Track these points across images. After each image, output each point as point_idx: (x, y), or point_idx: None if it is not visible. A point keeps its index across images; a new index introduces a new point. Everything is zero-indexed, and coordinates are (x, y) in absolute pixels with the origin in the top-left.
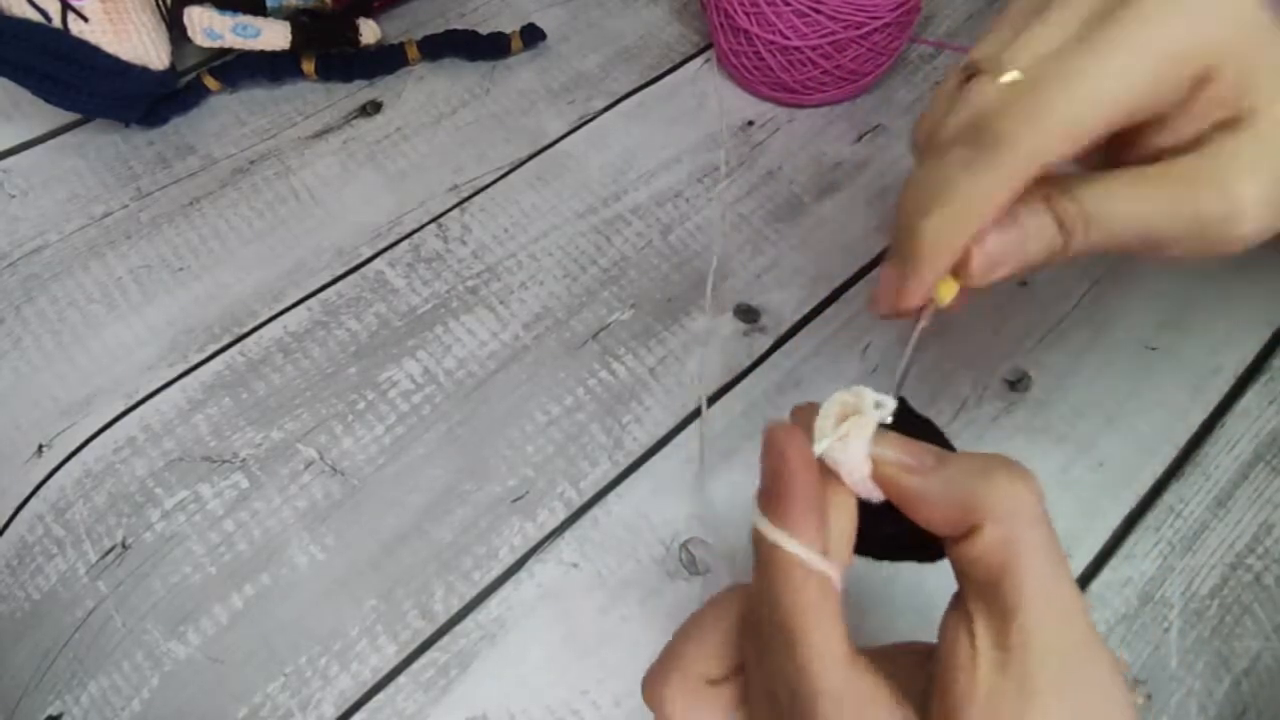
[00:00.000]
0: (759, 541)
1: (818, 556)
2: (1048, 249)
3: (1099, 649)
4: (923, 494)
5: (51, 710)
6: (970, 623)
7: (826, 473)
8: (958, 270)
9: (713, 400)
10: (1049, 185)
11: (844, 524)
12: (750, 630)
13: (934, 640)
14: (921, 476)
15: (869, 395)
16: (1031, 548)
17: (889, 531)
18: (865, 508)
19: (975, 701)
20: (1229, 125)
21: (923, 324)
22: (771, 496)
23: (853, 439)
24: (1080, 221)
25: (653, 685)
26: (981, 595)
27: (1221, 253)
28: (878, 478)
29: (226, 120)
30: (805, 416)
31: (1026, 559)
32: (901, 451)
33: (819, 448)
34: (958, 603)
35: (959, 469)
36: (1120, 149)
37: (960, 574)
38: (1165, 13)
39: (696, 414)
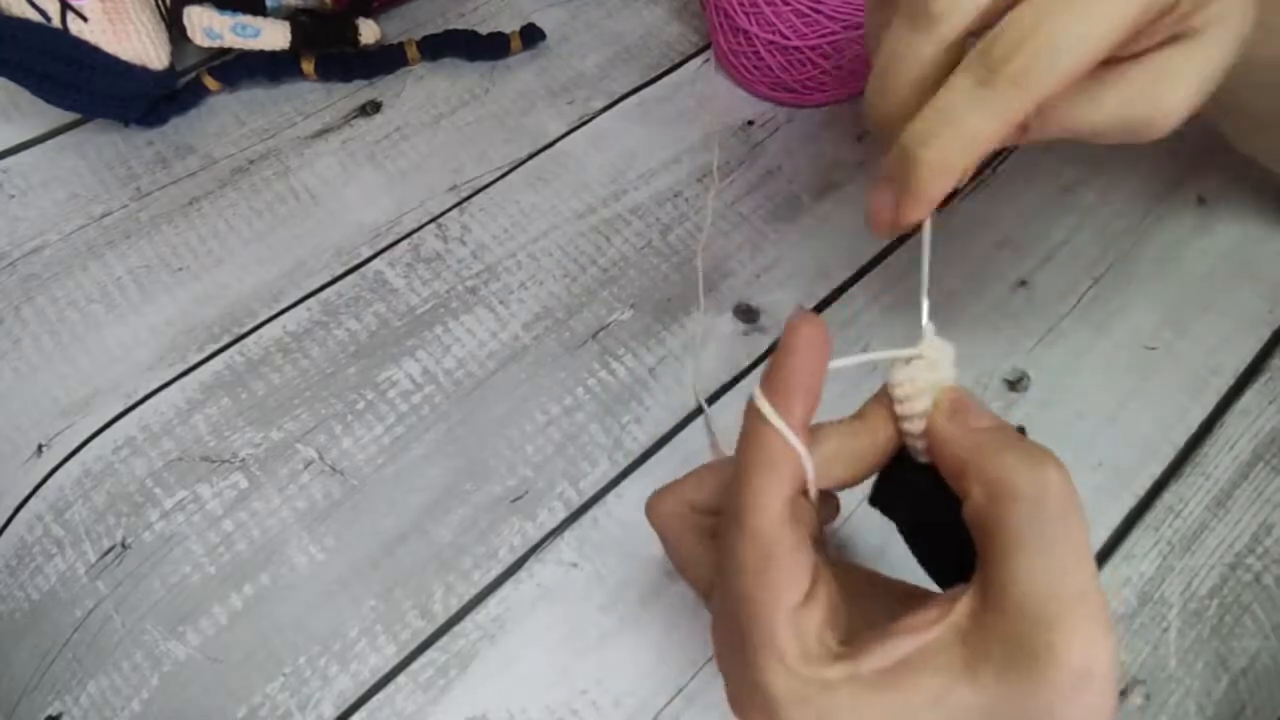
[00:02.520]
0: (748, 405)
1: (789, 430)
2: (1004, 140)
3: (1090, 681)
4: (944, 435)
5: (51, 710)
6: (967, 587)
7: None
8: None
9: (712, 400)
10: None
11: (857, 446)
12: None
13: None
14: (957, 425)
15: (946, 349)
16: (1016, 527)
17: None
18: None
19: (917, 639)
20: (1170, 41)
21: (928, 233)
22: (771, 370)
23: (925, 395)
24: (1036, 118)
25: (654, 496)
26: (980, 565)
27: (1140, 141)
28: (928, 420)
29: (226, 120)
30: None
31: (1008, 535)
32: (963, 399)
33: (882, 355)
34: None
35: (990, 436)
36: None
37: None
38: None
39: (696, 414)
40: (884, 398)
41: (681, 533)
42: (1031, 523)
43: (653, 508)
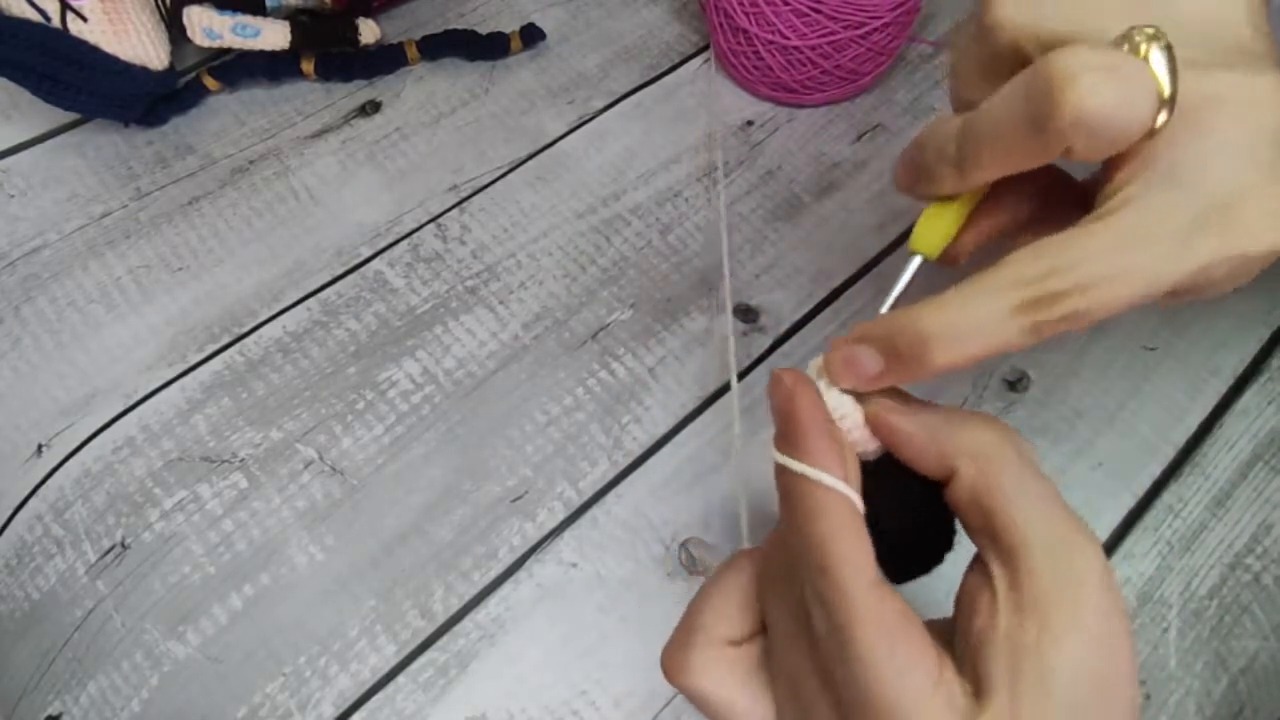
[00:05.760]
0: (782, 476)
1: (839, 481)
2: None
3: (1094, 565)
4: (908, 432)
5: (51, 710)
6: (987, 570)
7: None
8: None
9: (711, 401)
10: None
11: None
12: (772, 583)
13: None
14: (905, 415)
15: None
16: (1010, 484)
17: (907, 516)
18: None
19: (996, 639)
20: None
21: (908, 276)
22: (787, 432)
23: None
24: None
25: (675, 655)
26: (986, 543)
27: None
28: (870, 418)
29: (226, 120)
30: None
31: (1009, 496)
32: (887, 393)
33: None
34: (975, 560)
35: (937, 414)
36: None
37: (964, 526)
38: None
39: (696, 414)
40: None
41: (732, 686)
42: (1020, 473)
43: (681, 669)
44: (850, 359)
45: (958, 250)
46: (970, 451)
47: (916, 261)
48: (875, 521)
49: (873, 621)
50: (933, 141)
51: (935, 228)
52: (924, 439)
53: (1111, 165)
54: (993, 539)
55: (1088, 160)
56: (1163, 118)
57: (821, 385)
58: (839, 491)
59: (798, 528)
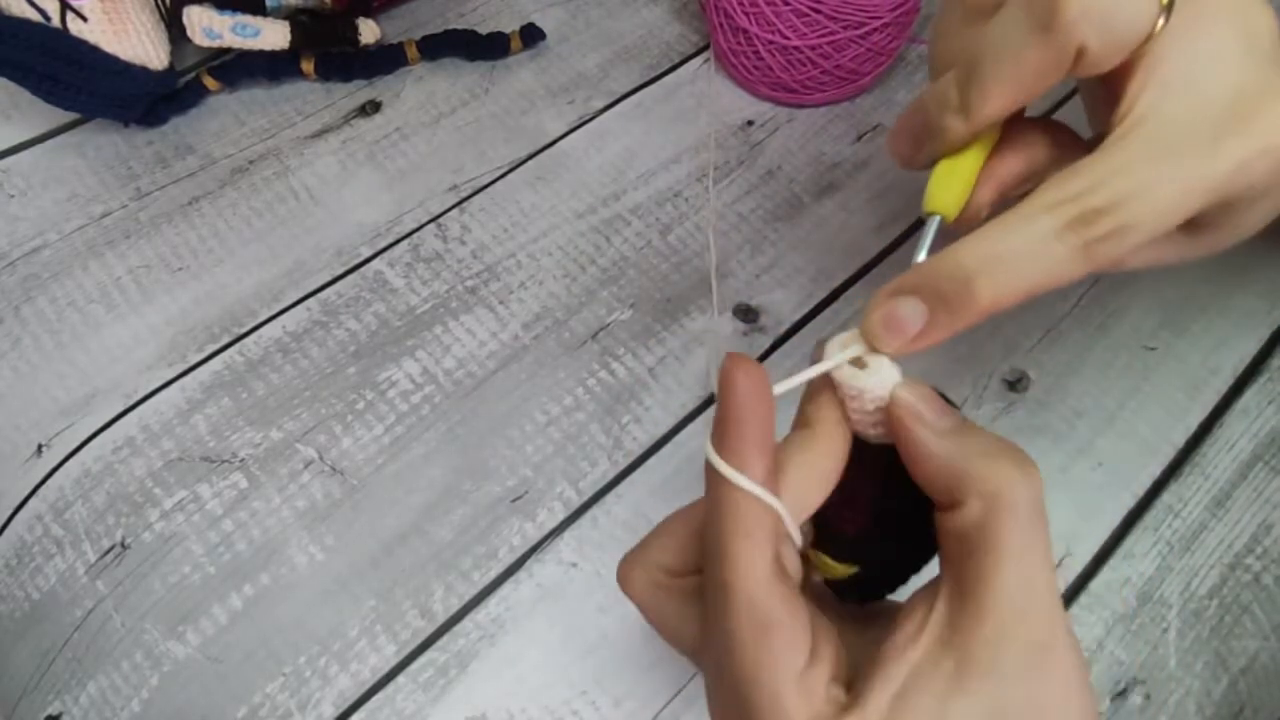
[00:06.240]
0: (706, 467)
1: (757, 488)
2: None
3: (1060, 658)
4: (927, 450)
5: (51, 710)
6: (935, 594)
7: (824, 404)
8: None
9: (711, 400)
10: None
11: (822, 465)
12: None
13: None
14: (934, 433)
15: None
16: (1009, 536)
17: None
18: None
19: (905, 663)
20: None
21: (929, 238)
22: (719, 427)
23: (884, 369)
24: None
25: (623, 567)
26: (951, 569)
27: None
28: (892, 419)
29: (226, 120)
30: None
31: (1000, 545)
32: (924, 402)
33: (824, 366)
34: (930, 584)
35: (969, 441)
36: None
37: (940, 547)
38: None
39: (696, 413)
40: (828, 393)
41: (662, 603)
42: (1026, 531)
43: (624, 580)
44: (890, 317)
45: (975, 208)
46: (984, 492)
47: (936, 221)
48: (858, 516)
49: (750, 615)
50: (931, 98)
51: (949, 183)
52: (941, 463)
53: (1118, 83)
54: (959, 570)
55: (1098, 69)
56: (1161, 22)
57: (846, 369)
58: (760, 501)
59: (709, 515)
